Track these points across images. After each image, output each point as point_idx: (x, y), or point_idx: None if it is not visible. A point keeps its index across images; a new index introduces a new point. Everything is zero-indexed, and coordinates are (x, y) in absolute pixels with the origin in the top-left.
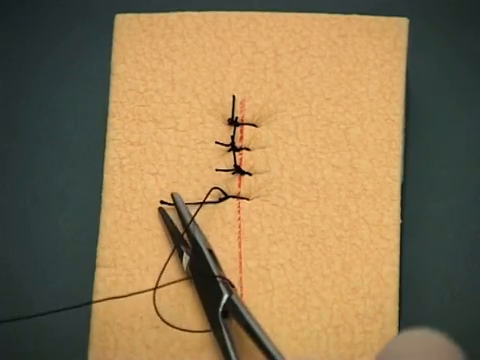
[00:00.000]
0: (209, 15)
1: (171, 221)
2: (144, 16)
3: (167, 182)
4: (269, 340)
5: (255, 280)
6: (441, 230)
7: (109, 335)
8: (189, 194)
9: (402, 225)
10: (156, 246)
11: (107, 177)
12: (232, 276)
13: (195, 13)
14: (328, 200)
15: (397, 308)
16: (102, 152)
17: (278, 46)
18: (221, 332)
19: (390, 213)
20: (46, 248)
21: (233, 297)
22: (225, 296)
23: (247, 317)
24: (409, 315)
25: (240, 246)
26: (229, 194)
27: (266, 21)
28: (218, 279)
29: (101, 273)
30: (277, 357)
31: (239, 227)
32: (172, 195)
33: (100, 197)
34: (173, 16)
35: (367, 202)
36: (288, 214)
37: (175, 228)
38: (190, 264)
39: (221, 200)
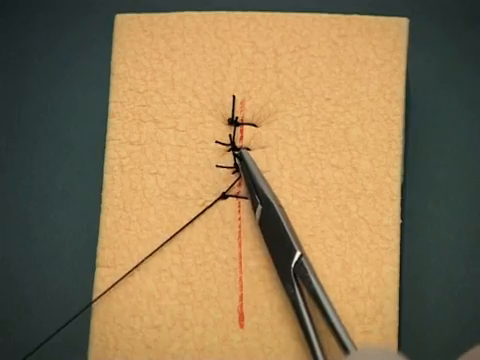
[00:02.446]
0: (209, 15)
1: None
2: (144, 16)
3: (167, 182)
4: (335, 312)
5: (255, 280)
6: (441, 230)
7: (109, 335)
8: (189, 194)
9: (402, 225)
10: (156, 246)
11: (107, 177)
12: (232, 276)
13: (195, 13)
14: (328, 200)
15: (397, 308)
16: (102, 152)
17: (278, 46)
18: (293, 288)
19: (390, 213)
20: (46, 248)
21: (303, 258)
22: (297, 253)
23: (314, 282)
24: (409, 315)
25: (240, 246)
26: (229, 194)
27: (266, 21)
28: (291, 236)
29: (101, 273)
30: (342, 336)
31: (239, 227)
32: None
33: (100, 197)
34: (173, 16)
35: (367, 202)
36: (288, 214)
37: (251, 177)
38: (261, 217)
39: (220, 199)
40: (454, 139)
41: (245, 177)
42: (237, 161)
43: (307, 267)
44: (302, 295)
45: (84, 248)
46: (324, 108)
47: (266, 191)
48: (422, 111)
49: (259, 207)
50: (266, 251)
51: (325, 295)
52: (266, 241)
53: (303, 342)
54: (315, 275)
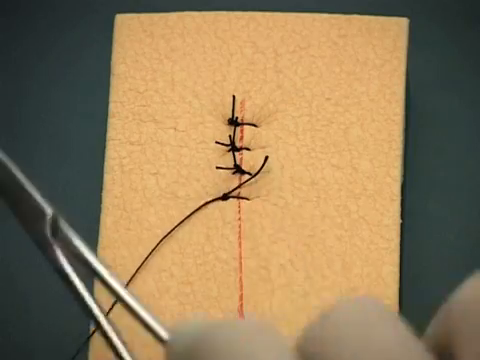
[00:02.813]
0: (209, 15)
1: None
2: (144, 16)
3: (167, 182)
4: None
5: (255, 280)
6: (441, 230)
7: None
8: (189, 194)
9: (402, 225)
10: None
11: (107, 177)
12: (232, 276)
13: (195, 13)
14: (328, 200)
15: (397, 308)
16: (102, 152)
17: (278, 46)
18: (54, 254)
19: (390, 213)
20: None
21: (58, 217)
22: (48, 212)
23: (77, 242)
24: (409, 315)
25: (240, 246)
26: (229, 194)
27: (266, 21)
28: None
29: None
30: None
31: (239, 227)
32: None
33: (100, 197)
34: (173, 16)
35: (367, 202)
36: (288, 214)
37: None
38: None
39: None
40: (454, 139)
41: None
42: None
43: (63, 227)
44: (68, 259)
45: None
46: (324, 108)
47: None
48: (422, 111)
49: None
50: (266, 251)
51: (93, 256)
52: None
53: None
54: (75, 235)
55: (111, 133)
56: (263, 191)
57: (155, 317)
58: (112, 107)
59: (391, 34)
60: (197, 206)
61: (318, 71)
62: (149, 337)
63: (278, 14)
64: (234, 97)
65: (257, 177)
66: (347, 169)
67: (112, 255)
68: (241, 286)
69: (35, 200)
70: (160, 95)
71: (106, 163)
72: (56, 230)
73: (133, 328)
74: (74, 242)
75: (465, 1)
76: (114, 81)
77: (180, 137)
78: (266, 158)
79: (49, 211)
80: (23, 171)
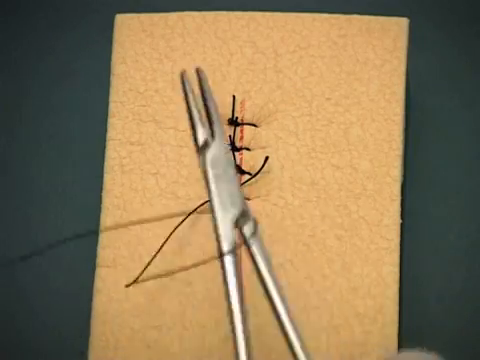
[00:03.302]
0: (209, 15)
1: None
2: (144, 16)
3: (167, 182)
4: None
5: (255, 280)
6: (441, 230)
7: (109, 335)
8: (189, 194)
9: (402, 225)
10: (156, 246)
11: (107, 177)
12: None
13: (195, 13)
14: (328, 200)
15: (397, 308)
16: (102, 152)
17: (278, 46)
18: (234, 257)
19: (390, 213)
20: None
21: (258, 225)
22: (252, 218)
23: (264, 258)
24: (409, 315)
25: (240, 246)
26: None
27: (266, 21)
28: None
29: (101, 273)
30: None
31: None
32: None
33: (100, 197)
34: (173, 16)
35: (367, 202)
36: (288, 214)
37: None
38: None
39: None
40: (454, 139)
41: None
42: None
43: (259, 237)
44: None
45: (84, 248)
46: (324, 108)
47: (221, 123)
48: (422, 111)
49: (214, 143)
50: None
51: (275, 283)
52: (211, 181)
53: (303, 342)
54: (265, 251)
55: (111, 133)
56: (263, 191)
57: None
58: (112, 107)
59: (391, 34)
60: (196, 206)
61: (318, 71)
62: (149, 337)
63: (278, 14)
64: (234, 97)
65: (257, 177)
66: (347, 169)
67: (112, 255)
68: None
69: (241, 196)
70: (160, 95)
71: (106, 163)
72: (251, 235)
73: (133, 328)
74: (261, 254)
75: (465, 1)
76: (114, 81)
77: (180, 137)
78: (266, 158)
79: (253, 216)
80: (23, 171)
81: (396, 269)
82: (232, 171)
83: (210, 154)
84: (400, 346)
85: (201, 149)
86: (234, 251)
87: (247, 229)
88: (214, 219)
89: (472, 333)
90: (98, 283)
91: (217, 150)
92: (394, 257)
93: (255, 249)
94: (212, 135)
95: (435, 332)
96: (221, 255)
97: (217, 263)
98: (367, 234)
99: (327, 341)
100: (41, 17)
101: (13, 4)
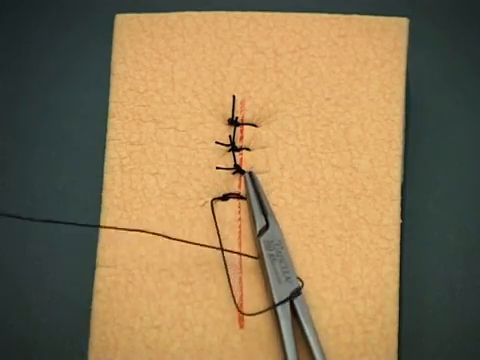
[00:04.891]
0: (209, 15)
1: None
2: (144, 16)
3: (167, 182)
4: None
5: (255, 280)
6: (441, 230)
7: (109, 335)
8: (189, 194)
9: (402, 225)
10: (156, 246)
11: (107, 177)
12: (232, 276)
13: (195, 13)
14: (328, 200)
15: (397, 308)
16: (102, 152)
17: (278, 46)
18: (287, 315)
19: (390, 213)
20: (46, 248)
21: (303, 289)
22: (298, 283)
23: (308, 319)
24: (409, 315)
25: (240, 246)
26: (230, 195)
27: (266, 21)
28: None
29: (101, 273)
30: None
31: (239, 227)
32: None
33: (100, 197)
34: (173, 16)
35: (367, 202)
36: (288, 214)
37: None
38: (266, 240)
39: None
40: (454, 139)
41: (251, 197)
42: (247, 179)
43: (304, 302)
44: (293, 325)
45: (84, 248)
46: (324, 108)
47: (273, 215)
48: (422, 111)
49: (267, 231)
50: None
51: (316, 338)
52: (265, 262)
53: (303, 342)
54: (310, 313)
55: (111, 133)
56: None
57: None
58: (112, 107)
59: (391, 34)
60: (197, 206)
61: (318, 71)
62: (149, 337)
63: (278, 14)
64: (234, 97)
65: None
66: (347, 169)
67: (112, 255)
68: (241, 286)
69: (292, 266)
70: (160, 95)
71: (106, 163)
72: (297, 300)
73: (133, 328)
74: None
75: (465, 1)
76: (114, 81)
77: (180, 137)
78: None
79: (299, 282)
80: (23, 171)
81: (396, 269)
82: (285, 252)
83: (266, 237)
84: (400, 346)
85: (259, 234)
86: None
87: (297, 302)
88: (271, 294)
89: (472, 333)
90: (98, 283)
91: (271, 235)
92: (394, 257)
93: (304, 322)
94: (267, 223)
95: (435, 332)
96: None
97: (217, 263)
98: (367, 234)
99: (327, 341)
100: (41, 17)
101: (13, 4)
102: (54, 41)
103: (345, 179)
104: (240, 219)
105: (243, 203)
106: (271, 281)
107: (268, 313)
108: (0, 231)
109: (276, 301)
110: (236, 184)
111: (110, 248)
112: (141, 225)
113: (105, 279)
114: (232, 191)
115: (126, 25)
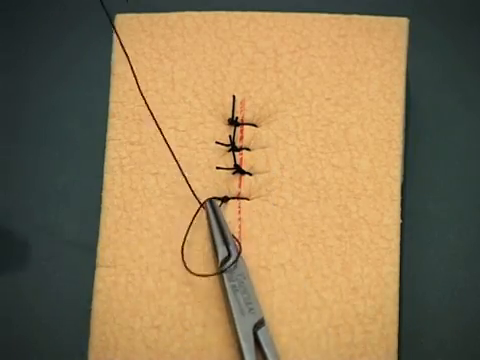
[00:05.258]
0: (209, 15)
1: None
2: (144, 16)
3: (167, 182)
4: None
5: (255, 280)
6: (441, 230)
7: (109, 335)
8: (189, 194)
9: (402, 225)
10: (156, 246)
11: (107, 177)
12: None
13: (195, 13)
14: (328, 200)
15: (397, 308)
16: (102, 152)
17: (278, 46)
18: (250, 348)
19: (390, 213)
20: (46, 248)
21: (265, 322)
22: (259, 316)
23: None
24: (409, 315)
25: (240, 246)
26: (229, 194)
27: (266, 21)
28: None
29: (101, 273)
30: None
31: (239, 227)
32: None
33: (100, 197)
34: (173, 16)
35: (367, 202)
36: (288, 214)
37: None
38: (229, 269)
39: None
40: (454, 139)
41: (212, 227)
42: (208, 208)
43: (267, 333)
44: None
45: (84, 248)
46: (324, 108)
47: (235, 244)
48: (422, 111)
49: (230, 260)
50: (266, 251)
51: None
52: (228, 293)
53: (303, 342)
54: (274, 344)
55: (111, 133)
56: (263, 191)
57: None
58: (112, 107)
59: (391, 34)
60: (197, 206)
61: (318, 71)
62: (149, 337)
63: (278, 14)
64: (234, 97)
65: (257, 177)
66: (347, 169)
67: (112, 255)
68: None
69: (255, 297)
70: (160, 95)
71: (106, 163)
72: (261, 332)
73: (133, 328)
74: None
75: (465, 1)
76: (114, 81)
77: (180, 137)
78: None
79: (260, 315)
80: (23, 171)
81: (396, 269)
82: (247, 282)
83: (228, 269)
84: (400, 346)
85: (221, 265)
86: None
87: (261, 334)
88: (234, 325)
89: (472, 333)
90: (98, 283)
91: (233, 265)
92: (394, 257)
93: (269, 356)
94: (229, 253)
95: (435, 332)
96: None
97: (217, 264)
98: (367, 234)
99: (327, 341)
100: (41, 17)
101: (13, 4)
102: (54, 41)
103: (345, 179)
104: (240, 219)
105: (243, 203)
106: (234, 313)
107: (269, 312)
108: (0, 231)
109: (240, 334)
110: (236, 184)
111: (110, 248)
112: (141, 225)
113: (105, 279)
114: (232, 191)
115: (126, 25)
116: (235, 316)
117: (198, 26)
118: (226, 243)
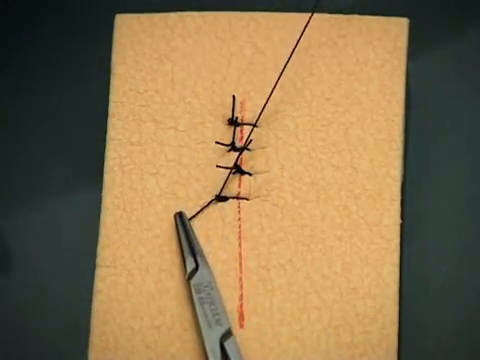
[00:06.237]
0: (209, 15)
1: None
2: (144, 16)
3: (167, 182)
4: None
5: (255, 280)
6: (441, 230)
7: (109, 335)
8: (189, 194)
9: (402, 225)
10: (156, 246)
11: (107, 177)
12: (232, 276)
13: (195, 13)
14: (328, 200)
15: (397, 308)
16: (102, 152)
17: (278, 46)
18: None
19: (390, 213)
20: (46, 248)
21: (232, 333)
22: (226, 326)
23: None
24: (409, 315)
25: (240, 246)
26: (229, 194)
27: (266, 21)
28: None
29: (101, 273)
30: None
31: (239, 227)
32: (180, 214)
33: (100, 197)
34: (173, 16)
35: (367, 202)
36: (288, 214)
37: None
38: (196, 281)
39: (220, 199)
40: (454, 139)
41: (180, 238)
42: (177, 220)
43: (234, 345)
44: None
45: (84, 248)
46: (324, 108)
47: (203, 255)
48: (422, 111)
49: (197, 273)
50: (266, 251)
51: None
52: (195, 306)
53: (303, 342)
54: (241, 356)
55: (111, 133)
56: (263, 191)
57: None
58: (112, 107)
59: (391, 34)
60: (197, 206)
61: (318, 71)
62: (149, 337)
63: (278, 14)
64: (234, 97)
65: (257, 177)
66: (347, 169)
67: (112, 255)
68: (241, 286)
69: (223, 309)
70: (160, 95)
71: (106, 163)
72: (227, 343)
73: (133, 328)
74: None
75: (465, 1)
76: (114, 81)
77: (180, 137)
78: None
79: (227, 326)
80: (23, 171)
81: (396, 269)
82: (215, 294)
83: (195, 281)
84: (400, 346)
85: (188, 277)
86: None
87: (228, 345)
88: (202, 337)
89: (472, 333)
90: (98, 283)
91: (200, 277)
92: (394, 257)
93: None
94: (196, 265)
95: (435, 332)
96: None
97: (218, 264)
98: (367, 234)
99: (327, 341)
100: (41, 17)
101: (13, 4)
102: (54, 41)
103: (345, 179)
104: (240, 219)
105: (243, 203)
106: (201, 326)
107: (269, 312)
108: (0, 231)
109: (207, 348)
110: (236, 184)
111: (110, 248)
112: (141, 225)
113: (105, 279)
114: (232, 191)
115: (126, 25)
116: (202, 330)
117: (198, 26)
118: (193, 254)
